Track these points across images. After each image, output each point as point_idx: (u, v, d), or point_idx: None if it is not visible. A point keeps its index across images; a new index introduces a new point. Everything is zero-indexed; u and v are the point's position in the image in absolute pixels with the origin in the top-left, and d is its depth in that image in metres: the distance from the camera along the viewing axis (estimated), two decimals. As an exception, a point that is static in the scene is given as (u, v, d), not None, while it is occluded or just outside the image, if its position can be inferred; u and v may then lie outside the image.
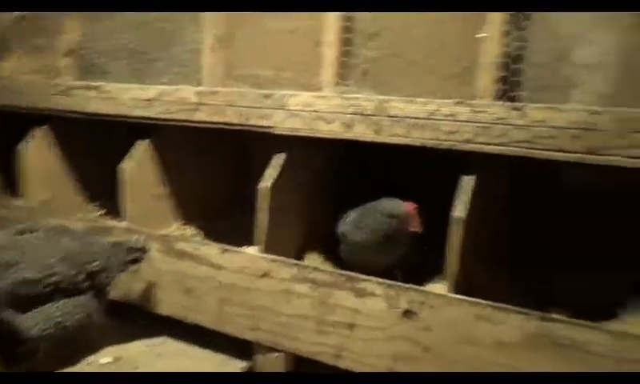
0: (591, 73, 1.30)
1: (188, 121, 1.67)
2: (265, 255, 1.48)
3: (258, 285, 1.48)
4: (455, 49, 1.49)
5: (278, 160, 1.53)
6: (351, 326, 1.34)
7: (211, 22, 1.81)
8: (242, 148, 2.10)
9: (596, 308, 1.27)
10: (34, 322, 1.29)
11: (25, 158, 1.98)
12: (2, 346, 1.25)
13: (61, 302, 1.37)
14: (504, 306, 1.17)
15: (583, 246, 1.53)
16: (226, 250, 1.54)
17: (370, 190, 1.56)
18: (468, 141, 1.27)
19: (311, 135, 1.47)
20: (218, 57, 1.83)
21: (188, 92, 1.65)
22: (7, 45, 2.36)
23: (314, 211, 1.71)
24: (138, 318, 1.71)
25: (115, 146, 1.84)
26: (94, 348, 1.55)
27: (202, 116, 1.63)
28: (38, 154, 2.00)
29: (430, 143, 1.32)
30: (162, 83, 1.84)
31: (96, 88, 1.85)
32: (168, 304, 1.64)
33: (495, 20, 1.38)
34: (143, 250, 1.61)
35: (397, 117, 1.35)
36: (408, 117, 1.34)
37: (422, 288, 1.29)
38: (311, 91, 1.52)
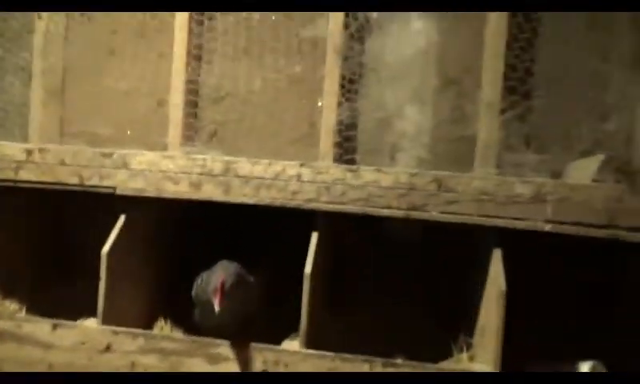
0: (411, 141, 1.53)
1: (10, 180, 1.48)
2: (106, 327, 1.36)
3: (99, 361, 1.34)
4: (295, 115, 1.61)
5: (118, 223, 1.44)
6: (205, 395, 1.30)
7: (41, 76, 1.66)
8: (69, 209, 1.92)
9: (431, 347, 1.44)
10: None
11: None
12: None
13: None
14: (350, 356, 1.26)
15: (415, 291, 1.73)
16: (57, 326, 1.37)
17: (225, 250, 1.55)
18: (311, 200, 1.37)
19: (158, 196, 1.42)
20: (49, 112, 1.67)
21: (13, 149, 1.47)
22: None
23: (163, 275, 1.63)
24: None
25: None
26: None
27: (28, 176, 1.46)
28: None
29: (277, 202, 1.38)
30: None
31: None
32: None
33: (330, 90, 1.53)
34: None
35: (245, 177, 1.39)
36: (255, 177, 1.39)
37: (276, 347, 1.31)
38: (155, 151, 1.48)
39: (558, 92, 1.47)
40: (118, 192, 1.43)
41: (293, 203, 1.37)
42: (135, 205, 1.46)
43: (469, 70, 1.50)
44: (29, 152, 1.46)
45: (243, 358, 1.29)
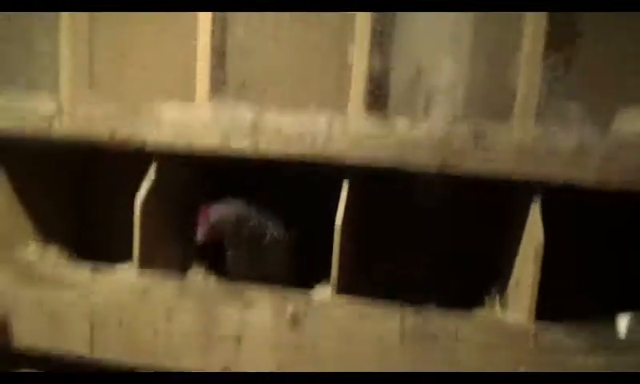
0: (446, 92, 1.46)
1: (43, 136, 1.49)
2: (142, 273, 1.40)
3: (136, 305, 1.40)
4: (325, 65, 1.56)
5: (150, 173, 1.46)
6: (238, 339, 1.34)
7: (70, 26, 1.64)
8: (104, 163, 1.95)
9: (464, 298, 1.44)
10: None
11: None
12: None
13: None
14: (382, 303, 1.27)
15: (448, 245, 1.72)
16: (95, 271, 1.42)
17: (255, 201, 1.57)
18: (341, 153, 1.34)
19: (187, 150, 1.42)
20: (79, 64, 1.66)
21: (43, 103, 1.47)
22: None
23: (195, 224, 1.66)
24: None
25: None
26: None
27: (59, 131, 1.47)
28: None
29: (306, 155, 1.36)
30: (9, 91, 1.63)
31: None
32: (28, 336, 1.47)
33: (362, 39, 1.47)
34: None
35: (274, 129, 1.37)
36: (285, 129, 1.37)
37: (307, 294, 1.33)
38: (184, 104, 1.46)
39: (608, 34, 1.37)
40: (148, 146, 1.43)
41: (323, 156, 1.34)
42: (166, 158, 1.46)
43: (508, 14, 1.40)
44: (59, 106, 1.46)
45: (275, 304, 1.32)
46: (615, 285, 1.52)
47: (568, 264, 1.49)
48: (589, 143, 1.21)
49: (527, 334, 1.21)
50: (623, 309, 1.37)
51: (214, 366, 1.37)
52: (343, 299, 1.29)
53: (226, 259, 1.56)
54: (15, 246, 1.65)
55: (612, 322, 1.37)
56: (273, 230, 1.51)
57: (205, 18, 1.54)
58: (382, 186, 1.63)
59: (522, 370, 1.22)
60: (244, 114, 1.38)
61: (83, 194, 2.00)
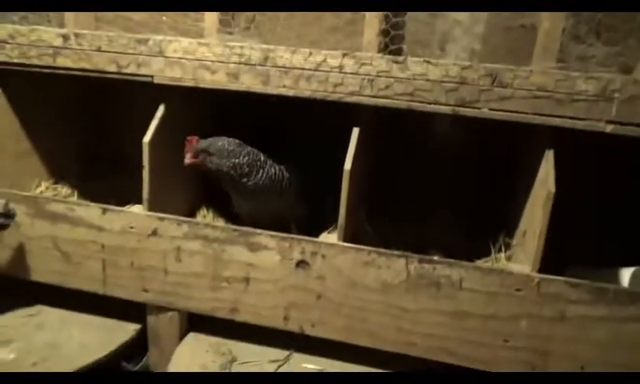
0: (463, 30, 1.39)
1: (49, 67, 1.47)
2: (152, 213, 1.41)
3: (147, 245, 1.41)
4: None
5: (158, 112, 1.43)
6: (246, 280, 1.36)
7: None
8: (113, 99, 1.93)
9: (468, 247, 1.44)
10: None
11: None
12: None
13: None
14: (387, 251, 1.27)
15: (454, 194, 1.70)
16: (107, 210, 1.43)
17: (264, 141, 1.54)
18: (353, 93, 1.30)
19: (195, 85, 1.39)
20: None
21: (49, 34, 1.44)
22: None
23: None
24: (3, 289, 1.56)
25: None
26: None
27: (66, 62, 1.45)
28: None
29: (317, 95, 1.32)
30: (13, 21, 1.59)
31: None
32: (41, 271, 1.51)
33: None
34: (8, 215, 1.44)
35: (284, 67, 1.33)
36: (295, 67, 1.32)
37: (314, 239, 1.33)
38: (191, 38, 1.42)
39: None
40: (156, 80, 1.40)
41: (334, 96, 1.30)
42: (174, 94, 1.43)
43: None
44: (65, 37, 1.42)
45: (282, 248, 1.32)
46: (622, 239, 1.50)
47: (576, 216, 1.46)
48: (610, 88, 1.15)
49: (530, 284, 1.21)
50: (629, 263, 1.36)
51: (223, 305, 1.39)
52: (349, 245, 1.29)
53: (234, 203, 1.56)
54: (27, 186, 1.67)
55: (616, 275, 1.35)
56: (273, 169, 1.49)
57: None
58: (392, 132, 1.60)
59: (523, 322, 1.22)
60: (253, 50, 1.33)
61: (94, 134, 2.00)
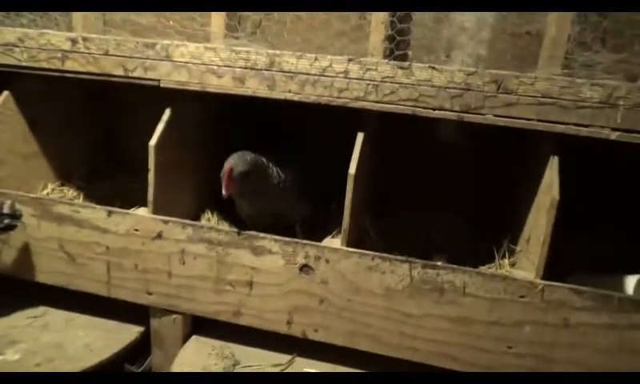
0: (469, 36, 1.40)
1: (57, 70, 1.49)
2: (157, 216, 1.42)
3: (151, 247, 1.42)
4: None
5: (165, 116, 1.44)
6: (250, 284, 1.37)
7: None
8: (119, 103, 1.95)
9: (473, 253, 1.43)
10: None
11: None
12: None
13: None
14: (391, 256, 1.27)
15: (458, 200, 1.69)
16: (112, 213, 1.44)
17: (270, 146, 1.55)
18: (358, 98, 1.30)
19: (201, 90, 1.40)
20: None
21: (58, 37, 1.46)
22: None
23: (208, 169, 1.66)
24: (8, 290, 1.57)
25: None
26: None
27: (74, 65, 1.46)
28: None
29: (322, 100, 1.32)
30: (22, 25, 1.61)
31: None
32: (47, 273, 1.52)
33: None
34: (15, 216, 1.45)
35: (290, 72, 1.33)
36: (301, 72, 1.33)
37: (317, 243, 1.33)
38: (198, 43, 1.43)
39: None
40: (162, 84, 1.41)
41: (339, 101, 1.31)
42: (180, 98, 1.44)
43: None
44: (73, 41, 1.44)
45: (286, 252, 1.32)
46: (627, 246, 1.49)
47: (580, 223, 1.46)
48: (615, 95, 1.15)
49: (534, 290, 1.21)
50: (633, 270, 1.35)
51: (227, 308, 1.40)
52: (352, 250, 1.29)
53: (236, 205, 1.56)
54: (34, 187, 1.68)
55: (620, 283, 1.35)
56: (271, 170, 1.49)
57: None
58: (396, 137, 1.59)
59: (526, 328, 1.22)
60: (259, 55, 1.34)
61: (101, 136, 2.01)
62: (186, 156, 1.56)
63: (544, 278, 1.21)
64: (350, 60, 1.29)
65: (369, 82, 1.29)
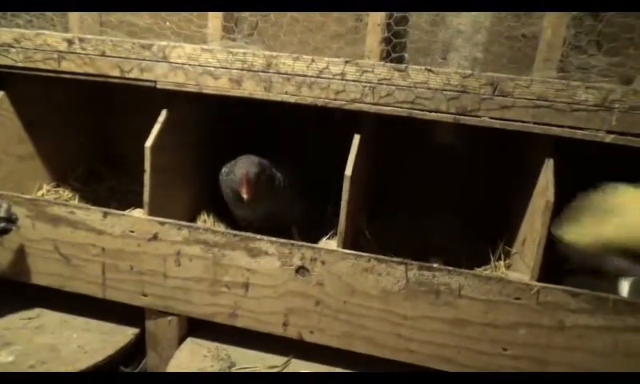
0: (465, 39, 1.40)
1: (54, 71, 1.48)
2: (152, 218, 1.41)
3: (147, 249, 1.42)
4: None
5: (161, 117, 1.44)
6: (246, 286, 1.36)
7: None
8: (115, 104, 1.94)
9: (469, 255, 1.43)
10: None
11: None
12: None
13: None
14: (387, 258, 1.27)
15: (454, 202, 1.70)
16: (107, 214, 1.44)
17: (267, 147, 1.55)
18: (355, 100, 1.31)
19: (198, 91, 1.39)
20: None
21: (54, 38, 1.45)
22: None
23: (204, 171, 1.66)
24: (3, 291, 1.56)
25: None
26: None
27: (70, 66, 1.46)
28: None
29: (319, 102, 1.33)
30: (18, 26, 1.60)
31: None
32: (41, 274, 1.51)
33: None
34: (10, 220, 1.44)
35: (287, 74, 1.34)
36: (297, 74, 1.33)
37: (314, 245, 1.33)
38: (195, 44, 1.43)
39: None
40: (159, 86, 1.41)
41: (336, 103, 1.31)
42: (176, 99, 1.44)
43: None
44: (70, 42, 1.44)
45: (282, 253, 1.32)
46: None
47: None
48: (610, 98, 1.16)
49: (529, 292, 1.21)
50: (628, 272, 1.36)
51: (223, 310, 1.39)
52: (348, 251, 1.29)
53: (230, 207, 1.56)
54: (29, 188, 1.67)
55: (615, 285, 1.35)
56: (278, 175, 1.50)
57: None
58: (393, 139, 1.60)
59: (522, 330, 1.22)
60: (255, 56, 1.34)
61: (97, 137, 2.01)
62: (182, 157, 1.56)
63: (539, 280, 1.21)
64: (346, 62, 1.29)
65: (365, 84, 1.29)
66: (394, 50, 1.42)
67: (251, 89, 1.36)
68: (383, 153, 1.70)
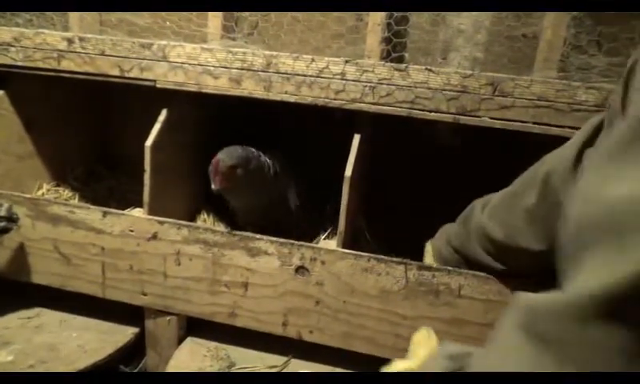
0: (465, 39, 1.40)
1: (53, 70, 1.48)
2: (152, 217, 1.41)
3: (146, 248, 1.42)
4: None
5: (161, 116, 1.44)
6: (245, 285, 1.36)
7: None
8: (115, 104, 1.94)
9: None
10: None
11: None
12: None
13: None
14: (386, 258, 1.27)
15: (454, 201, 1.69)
16: (107, 213, 1.44)
17: (267, 146, 1.55)
18: (355, 100, 1.31)
19: (197, 90, 1.39)
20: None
21: (54, 37, 1.45)
22: None
23: (204, 170, 1.65)
24: (2, 291, 1.56)
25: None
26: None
27: (70, 65, 1.46)
28: None
29: (319, 101, 1.33)
30: (18, 25, 1.60)
31: None
32: (41, 274, 1.51)
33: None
34: (11, 219, 1.44)
35: (287, 74, 1.33)
36: (297, 74, 1.33)
37: (313, 245, 1.33)
38: (194, 44, 1.43)
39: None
40: (159, 85, 1.41)
41: (336, 102, 1.31)
42: (176, 99, 1.44)
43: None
44: (70, 41, 1.44)
45: (281, 253, 1.32)
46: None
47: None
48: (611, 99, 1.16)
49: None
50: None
51: (222, 309, 1.39)
52: (348, 251, 1.29)
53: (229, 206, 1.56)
54: (29, 187, 1.67)
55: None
56: (269, 162, 1.49)
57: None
58: (393, 138, 1.60)
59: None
60: (255, 56, 1.34)
61: (97, 137, 2.01)
62: (182, 157, 1.56)
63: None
64: (346, 61, 1.29)
65: (365, 84, 1.29)
66: (394, 50, 1.42)
67: (251, 88, 1.36)
68: (383, 153, 1.70)
